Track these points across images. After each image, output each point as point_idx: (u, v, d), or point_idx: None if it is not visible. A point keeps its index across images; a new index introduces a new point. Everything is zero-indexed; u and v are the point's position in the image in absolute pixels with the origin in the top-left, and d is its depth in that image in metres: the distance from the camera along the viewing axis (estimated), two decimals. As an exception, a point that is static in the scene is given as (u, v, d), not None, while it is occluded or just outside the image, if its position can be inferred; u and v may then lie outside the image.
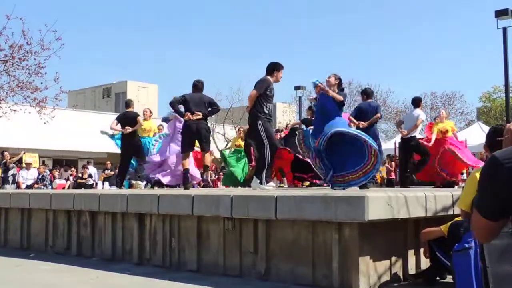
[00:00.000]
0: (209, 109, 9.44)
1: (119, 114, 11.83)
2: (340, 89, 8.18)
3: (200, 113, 9.19)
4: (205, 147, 9.62)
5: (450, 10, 69.07)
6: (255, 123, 8.00)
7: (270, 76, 8.08)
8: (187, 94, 9.47)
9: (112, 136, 12.32)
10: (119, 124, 10.92)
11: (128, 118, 10.88)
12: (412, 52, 70.58)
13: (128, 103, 11.34)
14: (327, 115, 7.88)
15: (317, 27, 73.07)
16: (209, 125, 9.79)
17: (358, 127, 9.54)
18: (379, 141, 9.91)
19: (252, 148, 11.78)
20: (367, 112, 10.25)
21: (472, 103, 44.90)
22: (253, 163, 12.07)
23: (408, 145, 11.02)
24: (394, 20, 70.73)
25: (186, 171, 9.61)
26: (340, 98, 7.89)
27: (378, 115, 10.28)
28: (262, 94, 7.96)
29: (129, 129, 10.68)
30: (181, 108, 9.48)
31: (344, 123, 8.10)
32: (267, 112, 8.03)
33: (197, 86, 9.50)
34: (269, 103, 8.09)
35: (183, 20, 78.34)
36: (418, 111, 11.22)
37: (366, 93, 10.70)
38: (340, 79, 8.17)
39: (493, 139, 4.21)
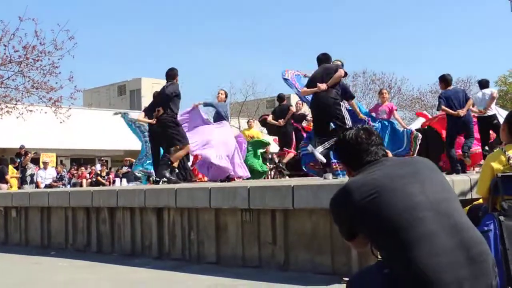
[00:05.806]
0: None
1: (147, 106, 11.01)
2: None
3: (160, 109, 8.92)
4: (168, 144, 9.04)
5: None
6: (338, 105, 7.55)
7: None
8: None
9: (127, 119, 12.13)
10: (146, 117, 10.66)
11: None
12: (426, 38, 70.12)
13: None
14: None
15: (329, 16, 72.83)
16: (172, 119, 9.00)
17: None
18: None
19: (292, 134, 11.70)
20: None
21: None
22: (291, 151, 11.95)
23: (490, 123, 10.21)
24: (407, 7, 70.25)
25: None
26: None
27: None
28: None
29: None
30: None
31: None
32: None
33: (167, 75, 9.17)
34: None
35: (195, 15, 78.46)
36: (489, 90, 10.65)
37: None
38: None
39: None
